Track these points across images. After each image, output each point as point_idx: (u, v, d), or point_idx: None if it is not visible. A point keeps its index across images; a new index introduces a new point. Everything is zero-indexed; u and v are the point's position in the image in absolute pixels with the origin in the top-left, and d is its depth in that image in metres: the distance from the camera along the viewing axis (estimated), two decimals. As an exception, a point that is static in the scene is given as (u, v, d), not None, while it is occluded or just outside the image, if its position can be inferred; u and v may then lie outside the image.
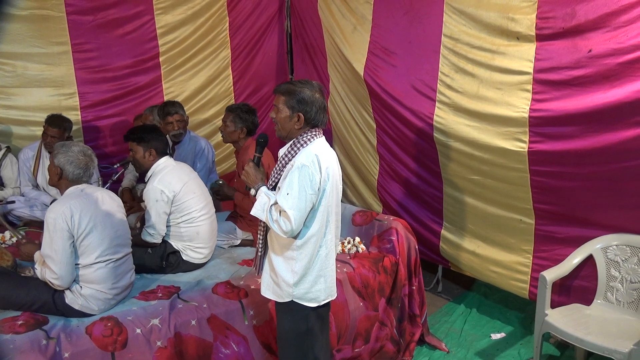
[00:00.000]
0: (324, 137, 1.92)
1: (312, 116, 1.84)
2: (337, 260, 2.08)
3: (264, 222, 1.91)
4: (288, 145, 1.88)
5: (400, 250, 2.89)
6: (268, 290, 1.95)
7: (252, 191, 1.91)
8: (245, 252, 3.00)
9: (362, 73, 3.40)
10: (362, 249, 2.99)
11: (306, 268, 1.85)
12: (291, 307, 1.89)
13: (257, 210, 1.85)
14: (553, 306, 2.52)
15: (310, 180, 1.75)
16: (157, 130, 2.69)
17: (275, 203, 1.80)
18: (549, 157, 2.50)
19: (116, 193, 2.89)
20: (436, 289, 3.53)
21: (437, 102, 2.96)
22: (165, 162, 2.64)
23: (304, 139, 1.85)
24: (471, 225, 3.06)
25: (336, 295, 1.99)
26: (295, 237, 1.82)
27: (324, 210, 1.84)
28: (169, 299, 2.30)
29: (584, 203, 2.50)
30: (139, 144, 2.60)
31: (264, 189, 1.88)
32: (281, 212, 1.78)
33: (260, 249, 1.99)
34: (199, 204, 2.67)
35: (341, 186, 1.98)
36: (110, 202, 2.27)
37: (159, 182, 2.56)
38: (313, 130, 1.87)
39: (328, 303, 1.97)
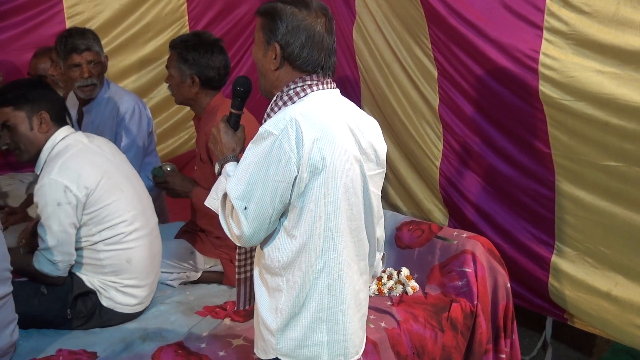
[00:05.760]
0: (334, 90, 1.96)
1: (294, 51, 1.90)
2: (370, 307, 2.10)
3: None
4: (270, 103, 1.97)
5: (480, 291, 2.91)
6: (256, 345, 2.04)
7: (217, 167, 2.05)
8: (209, 292, 3.02)
9: (413, -21, 3.40)
10: (412, 288, 3.01)
11: (295, 305, 1.90)
12: None
13: (212, 199, 1.96)
14: None
15: (277, 158, 1.81)
16: (44, 86, 2.72)
17: None
18: None
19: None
20: (542, 357, 3.54)
21: (544, 31, 2.95)
22: (67, 135, 2.66)
23: (290, 92, 1.92)
24: (604, 248, 3.05)
25: (359, 357, 2.01)
26: (263, 247, 1.90)
27: (317, 210, 1.87)
28: (79, 373, 2.35)
29: None
30: (19, 109, 2.60)
31: (230, 165, 1.98)
32: None
33: (243, 269, 2.07)
34: (129, 210, 2.69)
35: (379, 171, 2.01)
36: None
37: (60, 173, 2.56)
38: (308, 78, 1.92)
39: None
